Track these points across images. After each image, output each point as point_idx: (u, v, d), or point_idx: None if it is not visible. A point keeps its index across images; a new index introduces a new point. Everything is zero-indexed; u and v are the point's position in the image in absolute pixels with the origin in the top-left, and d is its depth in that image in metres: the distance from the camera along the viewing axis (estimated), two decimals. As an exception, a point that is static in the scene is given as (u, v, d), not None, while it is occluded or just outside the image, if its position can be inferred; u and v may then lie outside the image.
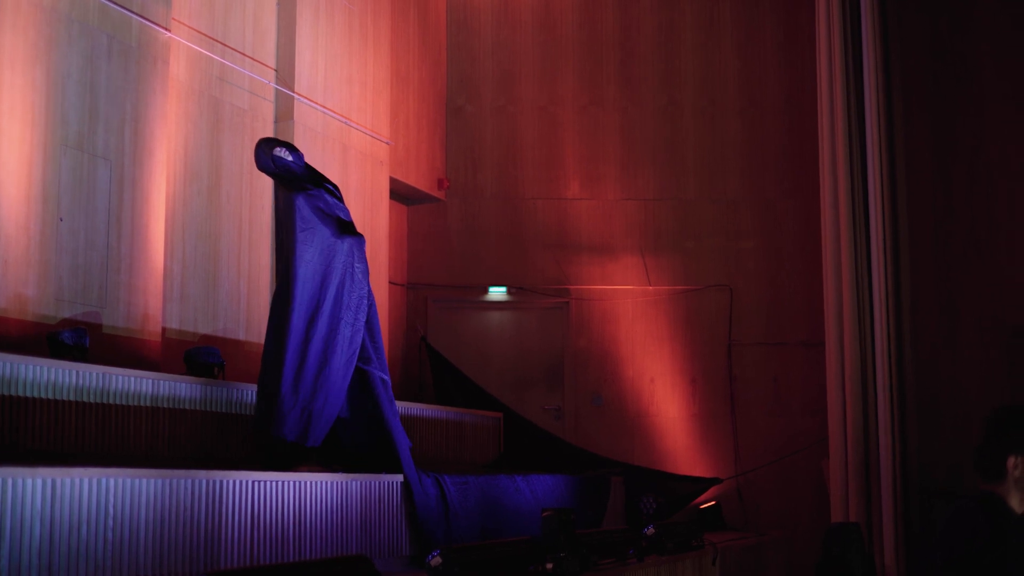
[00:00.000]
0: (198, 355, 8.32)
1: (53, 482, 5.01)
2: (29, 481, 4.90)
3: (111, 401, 7.03)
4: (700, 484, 12.31)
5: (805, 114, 12.92)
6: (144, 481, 5.47)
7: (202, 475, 5.85)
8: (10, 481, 4.81)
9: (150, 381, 7.36)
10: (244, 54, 9.97)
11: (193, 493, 5.76)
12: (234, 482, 6.06)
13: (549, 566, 6.65)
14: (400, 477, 7.49)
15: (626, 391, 13.01)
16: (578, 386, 13.05)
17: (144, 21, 8.57)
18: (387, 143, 11.66)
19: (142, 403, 7.25)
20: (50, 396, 6.64)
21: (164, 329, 8.87)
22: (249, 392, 7.96)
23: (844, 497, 11.50)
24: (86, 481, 5.17)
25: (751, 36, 13.53)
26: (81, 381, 6.85)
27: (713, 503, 12.29)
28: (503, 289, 13.17)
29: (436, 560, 5.70)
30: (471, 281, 13.15)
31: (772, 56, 13.49)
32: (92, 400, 6.90)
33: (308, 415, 7.19)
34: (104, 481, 5.25)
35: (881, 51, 11.70)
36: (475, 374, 12.46)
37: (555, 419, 12.91)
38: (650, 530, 8.62)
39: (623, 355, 13.07)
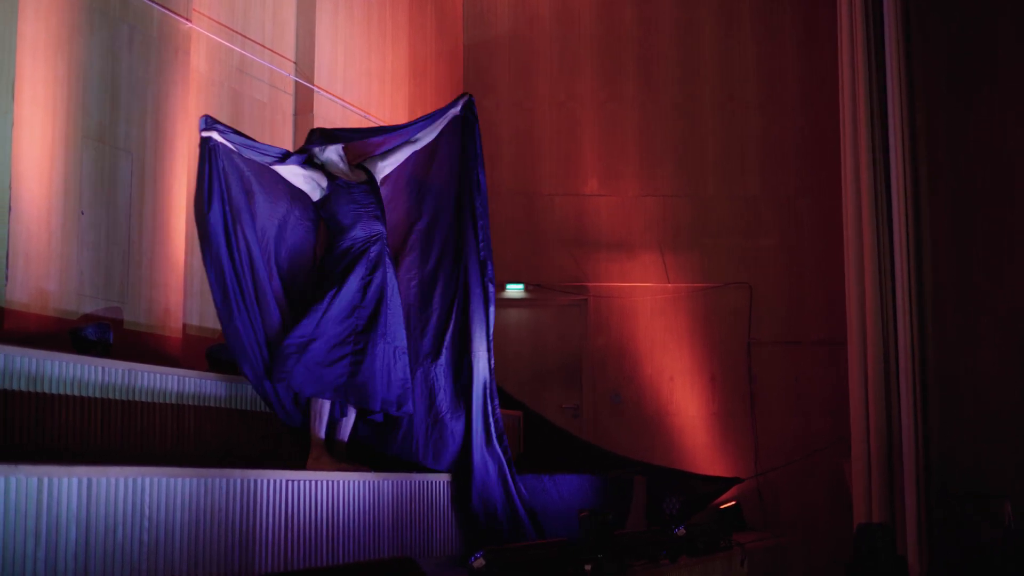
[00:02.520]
0: (221, 352, 8.15)
1: (89, 482, 4.85)
2: (65, 481, 4.75)
3: (137, 398, 6.88)
4: (721, 484, 12.17)
5: (825, 110, 12.79)
6: (180, 480, 5.32)
7: (237, 474, 5.70)
8: (46, 481, 4.66)
9: (175, 378, 7.21)
10: (264, 46, 9.81)
11: (228, 493, 5.61)
12: (268, 481, 5.91)
13: (588, 568, 6.51)
14: (433, 476, 7.35)
15: (645, 389, 12.87)
16: (597, 384, 12.90)
17: (165, 11, 8.41)
18: (405, 138, 11.50)
19: (167, 400, 7.09)
20: (76, 393, 6.48)
21: (184, 325, 8.70)
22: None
23: (867, 497, 11.37)
24: (122, 481, 5.01)
25: (770, 31, 13.40)
26: (107, 378, 6.69)
27: (733, 503, 12.15)
28: (520, 286, 13.02)
29: (479, 562, 5.55)
30: (488, 278, 12.99)
31: (791, 52, 13.35)
32: (118, 397, 6.74)
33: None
34: (140, 480, 5.10)
35: (903, 46, 11.57)
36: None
37: (573, 417, 12.76)
38: (680, 530, 8.49)
39: (642, 353, 12.93)
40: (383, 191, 8.02)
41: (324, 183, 7.69)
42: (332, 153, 7.75)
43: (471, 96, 8.34)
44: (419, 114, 11.90)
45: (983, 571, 10.93)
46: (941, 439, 11.32)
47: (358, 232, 7.59)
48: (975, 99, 12.41)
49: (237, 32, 9.50)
